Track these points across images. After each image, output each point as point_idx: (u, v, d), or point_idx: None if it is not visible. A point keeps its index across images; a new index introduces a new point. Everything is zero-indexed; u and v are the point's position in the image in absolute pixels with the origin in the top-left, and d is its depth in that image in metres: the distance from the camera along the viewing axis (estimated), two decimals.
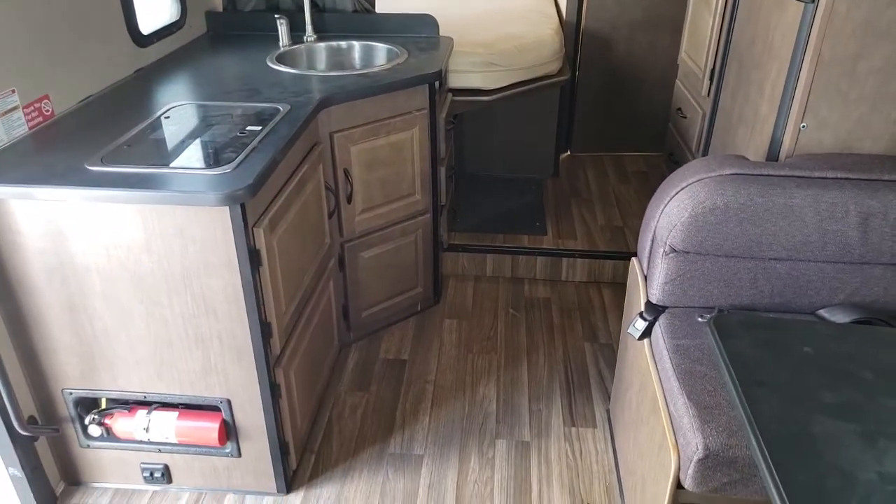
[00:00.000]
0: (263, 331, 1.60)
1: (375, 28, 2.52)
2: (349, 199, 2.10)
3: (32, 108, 1.65)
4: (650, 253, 1.69)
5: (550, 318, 2.54)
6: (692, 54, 2.62)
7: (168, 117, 1.76)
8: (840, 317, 1.52)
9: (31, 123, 1.65)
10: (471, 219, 3.02)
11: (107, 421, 1.71)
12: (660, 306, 1.67)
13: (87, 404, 1.73)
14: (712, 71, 2.31)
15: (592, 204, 3.22)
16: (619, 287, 2.66)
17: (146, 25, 2.15)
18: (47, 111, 1.70)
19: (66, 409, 1.72)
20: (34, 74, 1.65)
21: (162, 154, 1.57)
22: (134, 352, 1.63)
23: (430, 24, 2.51)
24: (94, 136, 1.63)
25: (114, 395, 1.70)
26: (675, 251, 1.60)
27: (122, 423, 1.70)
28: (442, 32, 2.53)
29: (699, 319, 1.61)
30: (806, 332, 1.12)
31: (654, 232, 1.65)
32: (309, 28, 2.42)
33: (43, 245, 1.50)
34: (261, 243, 1.52)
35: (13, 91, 1.59)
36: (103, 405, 1.73)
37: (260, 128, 1.68)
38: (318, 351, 2.02)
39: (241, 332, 1.58)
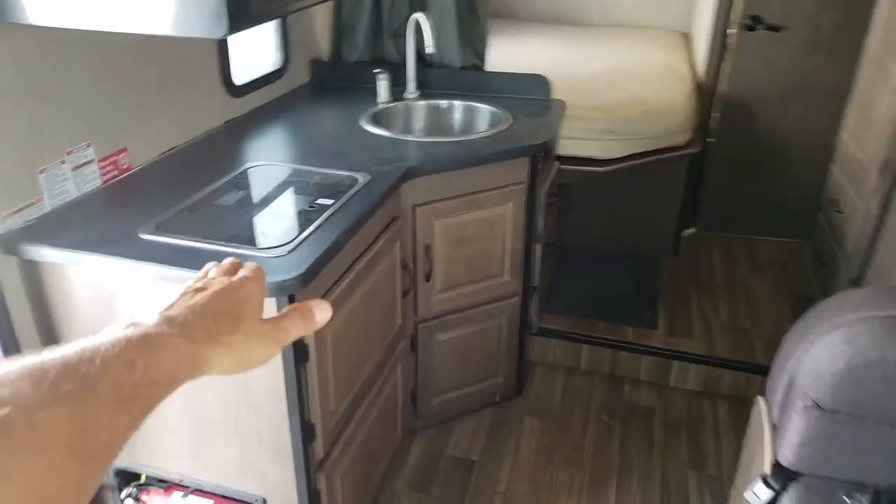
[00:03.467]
0: (305, 434, 1.40)
1: (482, 87, 2.32)
2: (427, 278, 1.89)
3: (108, 161, 1.58)
4: (784, 401, 1.33)
5: (651, 432, 2.17)
6: (858, 137, 2.18)
7: (241, 179, 1.64)
8: None
9: (105, 177, 1.58)
10: (569, 299, 2.68)
11: (143, 497, 1.59)
12: (791, 471, 1.30)
13: (127, 477, 1.61)
14: (885, 163, 1.89)
15: (716, 296, 2.78)
16: (739, 403, 2.24)
17: (245, 74, 2.07)
18: (124, 165, 1.63)
19: (107, 477, 1.61)
20: (113, 127, 1.59)
21: (219, 225, 1.43)
22: (174, 433, 1.49)
23: (542, 85, 2.27)
24: (160, 195, 1.53)
25: (151, 473, 1.58)
26: (821, 408, 1.23)
27: (157, 502, 1.57)
28: (558, 93, 2.29)
29: (846, 500, 1.23)
30: None
31: (794, 377, 1.29)
32: (411, 84, 2.27)
33: (90, 311, 1.40)
34: (309, 337, 1.33)
35: (88, 145, 1.52)
36: (143, 480, 1.61)
37: (332, 201, 1.51)
38: (376, 443, 1.80)
39: (280, 432, 1.40)
